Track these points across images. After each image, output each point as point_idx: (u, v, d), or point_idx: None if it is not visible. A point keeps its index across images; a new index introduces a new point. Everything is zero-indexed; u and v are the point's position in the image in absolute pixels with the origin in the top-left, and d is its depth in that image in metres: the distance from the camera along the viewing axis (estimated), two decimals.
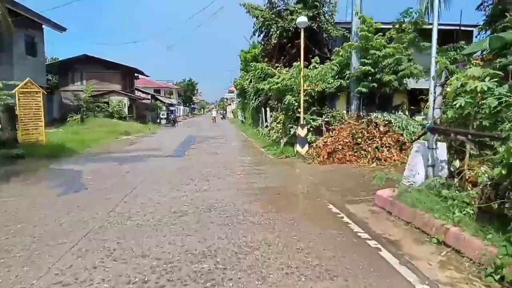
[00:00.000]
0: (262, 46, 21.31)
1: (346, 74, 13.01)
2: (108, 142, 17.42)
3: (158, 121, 39.59)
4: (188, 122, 50.87)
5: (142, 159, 11.61)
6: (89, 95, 30.30)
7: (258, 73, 22.59)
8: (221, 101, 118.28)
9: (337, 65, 12.72)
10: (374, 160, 10.53)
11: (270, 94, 16.15)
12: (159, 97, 48.70)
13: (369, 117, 11.78)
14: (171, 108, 44.61)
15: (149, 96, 43.97)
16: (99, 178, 8.45)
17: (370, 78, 12.08)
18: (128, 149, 14.86)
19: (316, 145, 11.93)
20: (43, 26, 26.51)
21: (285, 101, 12.84)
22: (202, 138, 20.61)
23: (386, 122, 11.50)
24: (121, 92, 33.14)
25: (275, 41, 18.37)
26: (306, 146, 12.21)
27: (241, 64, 32.08)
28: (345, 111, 13.06)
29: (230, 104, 79.07)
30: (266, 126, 18.44)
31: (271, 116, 18.55)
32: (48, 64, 33.17)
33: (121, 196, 6.66)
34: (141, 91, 45.32)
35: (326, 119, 12.67)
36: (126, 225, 5.04)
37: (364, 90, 11.92)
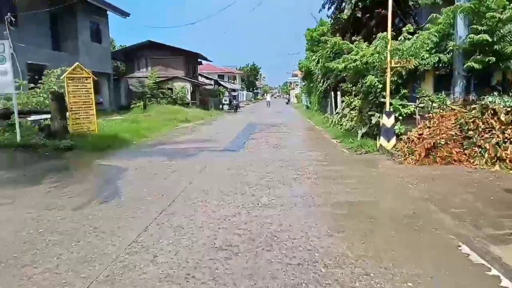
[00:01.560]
0: (332, 20, 18.58)
1: (447, 46, 10.04)
2: (165, 131, 16.34)
3: (220, 107, 38.70)
4: (251, 108, 49.51)
5: (195, 154, 10.04)
6: (153, 81, 30.06)
7: (327, 52, 20.04)
8: (284, 85, 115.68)
9: (436, 34, 9.80)
10: (495, 161, 7.70)
11: (344, 74, 13.62)
12: (222, 83, 47.92)
13: (482, 103, 8.81)
14: (234, 94, 43.49)
15: (212, 82, 43.24)
16: (139, 180, 6.95)
17: (484, 50, 9.05)
18: (183, 139, 13.52)
19: (408, 138, 9.33)
20: (107, 12, 26.48)
21: (365, 82, 10.32)
22: (263, 126, 18.75)
23: (509, 109, 8.48)
24: (184, 77, 32.54)
25: (349, 13, 15.63)
26: (394, 140, 9.68)
27: (307, 44, 29.45)
28: (443, 95, 10.12)
29: (293, 89, 76.35)
30: (337, 113, 15.95)
31: (343, 101, 16.01)
32: (114, 52, 33.70)
33: (154, 212, 4.98)
34: (204, 76, 44.81)
35: (420, 105, 9.93)
36: (144, 275, 3.27)
37: (477, 66, 8.94)
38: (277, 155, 9.77)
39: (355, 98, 14.47)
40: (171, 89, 31.15)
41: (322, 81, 20.85)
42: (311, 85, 28.19)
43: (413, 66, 9.91)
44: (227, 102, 39.27)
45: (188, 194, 5.92)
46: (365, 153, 9.87)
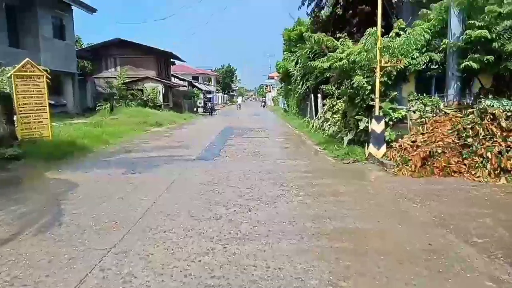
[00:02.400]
0: (312, 18, 17.75)
1: (439, 44, 9.32)
2: (132, 136, 14.94)
3: (195, 109, 37.27)
4: (226, 111, 48.32)
5: (163, 164, 8.80)
6: (122, 81, 28.32)
7: (306, 52, 19.20)
8: (260, 88, 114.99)
9: (428, 31, 9.04)
10: (498, 172, 6.95)
11: (327, 75, 12.73)
12: (196, 84, 46.44)
13: (480, 107, 8.09)
14: (209, 96, 42.10)
15: (186, 83, 41.72)
16: (91, 201, 5.68)
17: (481, 48, 8.35)
18: (152, 146, 12.20)
19: (400, 145, 8.51)
20: (72, 6, 24.63)
21: (353, 83, 9.43)
22: (241, 131, 17.64)
23: (510, 114, 7.78)
24: (156, 78, 30.95)
25: (330, 10, 14.84)
26: (384, 147, 8.84)
27: (284, 44, 28.70)
28: (437, 98, 9.38)
29: (270, 91, 75.69)
30: (319, 117, 15.08)
31: (324, 104, 15.19)
32: (80, 50, 31.69)
33: (100, 250, 3.78)
34: (178, 77, 43.20)
35: (412, 109, 9.14)
36: None
37: (475, 66, 8.22)
38: (257, 165, 8.70)
39: (338, 101, 13.66)
40: (141, 90, 29.49)
41: (301, 83, 20.01)
42: (289, 87, 27.35)
43: (403, 66, 9.12)
44: (202, 104, 37.88)
45: (149, 220, 4.73)
46: (353, 162, 8.97)
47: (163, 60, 34.95)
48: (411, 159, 7.88)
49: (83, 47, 34.43)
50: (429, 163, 7.62)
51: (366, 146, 9.20)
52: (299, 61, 20.52)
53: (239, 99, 64.42)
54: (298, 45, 24.71)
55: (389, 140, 8.95)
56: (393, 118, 9.03)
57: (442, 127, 8.39)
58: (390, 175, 7.59)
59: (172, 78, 40.48)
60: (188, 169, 8.18)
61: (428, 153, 7.75)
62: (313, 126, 15.79)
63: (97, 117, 21.59)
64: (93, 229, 4.40)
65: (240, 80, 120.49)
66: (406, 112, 8.98)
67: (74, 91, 25.76)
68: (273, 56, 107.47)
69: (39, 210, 5.20)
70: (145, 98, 28.97)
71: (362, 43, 9.61)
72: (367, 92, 9.21)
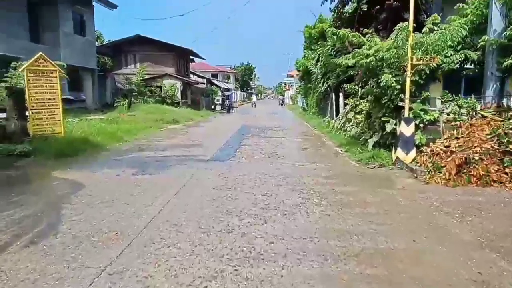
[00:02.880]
0: (335, 15, 16.98)
1: (477, 42, 8.50)
2: (148, 134, 14.61)
3: (212, 107, 36.97)
4: (245, 108, 47.86)
5: (175, 165, 8.35)
6: (141, 78, 28.23)
7: (328, 49, 18.47)
8: (279, 86, 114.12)
9: (466, 27, 8.24)
10: None
11: (351, 73, 12.01)
12: (214, 82, 46.15)
13: None
14: (227, 93, 41.73)
15: (205, 81, 41.46)
16: (93, 205, 5.25)
17: None
18: (166, 144, 11.80)
19: (432, 150, 7.77)
20: (93, 2, 24.64)
21: (380, 82, 8.72)
22: (257, 130, 17.08)
23: None
24: (174, 75, 30.75)
25: (355, 5, 14.08)
26: (413, 152, 8.12)
27: (304, 42, 27.96)
28: (473, 100, 8.55)
29: (288, 89, 74.83)
30: (341, 118, 14.36)
31: (346, 104, 14.46)
32: (100, 46, 31.84)
33: (94, 269, 3.31)
34: (197, 75, 42.99)
35: (445, 111, 8.37)
36: None
37: None
38: (274, 167, 8.13)
39: (362, 101, 12.92)
40: (160, 87, 29.34)
41: (322, 81, 19.28)
42: (309, 85, 26.60)
43: (436, 65, 8.35)
44: (220, 102, 37.55)
45: (153, 232, 4.24)
46: (378, 167, 8.28)
47: (182, 57, 34.76)
48: (445, 166, 7.16)
49: (104, 43, 34.64)
50: (465, 170, 6.88)
51: (394, 150, 8.49)
52: (320, 58, 19.78)
53: (254, 98, 64.50)
54: (319, 43, 23.99)
55: (419, 144, 8.21)
56: (424, 120, 8.28)
57: (479, 131, 7.61)
58: (421, 183, 6.87)
59: (191, 76, 40.32)
60: (201, 171, 7.69)
61: (464, 159, 7.00)
62: (333, 126, 15.08)
63: (115, 114, 21.46)
64: (90, 241, 3.94)
65: (259, 78, 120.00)
66: (439, 114, 8.22)
67: (94, 87, 25.82)
68: (292, 54, 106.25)
69: (37, 215, 4.80)
70: (163, 95, 28.82)
71: (391, 39, 8.88)
72: (396, 92, 8.48)
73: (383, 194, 6.02)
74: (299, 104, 42.02)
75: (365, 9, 14.39)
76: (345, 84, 15.29)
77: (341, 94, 16.26)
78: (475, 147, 7.20)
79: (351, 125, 12.96)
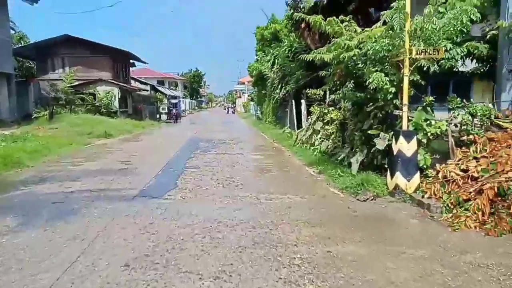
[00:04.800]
0: (292, 10, 14.91)
1: (483, 31, 6.69)
2: (65, 153, 11.40)
3: (157, 116, 33.58)
4: (194, 118, 44.78)
5: (80, 208, 5.50)
6: (69, 84, 24.30)
7: (285, 51, 16.44)
8: (230, 93, 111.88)
9: (468, 12, 6.33)
10: None
11: (317, 75, 9.83)
12: (160, 88, 42.59)
13: None
14: (174, 101, 38.38)
15: (148, 87, 37.87)
16: None
17: None
18: (83, 170, 8.80)
19: (445, 176, 5.74)
20: None
21: (366, 83, 6.58)
22: (208, 144, 14.45)
23: None
24: (110, 81, 27.08)
25: None
26: (417, 177, 6.07)
27: (257, 44, 25.88)
28: (489, 106, 6.68)
29: (240, 97, 72.77)
30: (306, 129, 12.20)
31: (311, 112, 12.36)
32: (19, 48, 27.41)
33: None
34: (139, 81, 39.23)
35: (455, 121, 6.41)
36: None
37: None
38: (232, 208, 5.60)
39: (331, 109, 10.87)
40: (93, 94, 25.57)
41: (279, 86, 17.15)
42: (264, 92, 24.47)
43: (436, 59, 6.39)
44: (166, 111, 34.24)
45: None
46: (372, 199, 6.10)
47: (120, 61, 31.08)
48: (469, 200, 5.14)
49: (26, 44, 29.94)
50: (502, 207, 4.87)
51: (389, 175, 6.36)
52: (276, 61, 17.71)
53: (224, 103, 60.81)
54: (272, 45, 22.02)
55: (424, 166, 6.17)
56: (428, 134, 6.25)
57: (505, 148, 5.70)
58: (446, 228, 4.74)
59: (133, 82, 36.55)
60: (118, 221, 4.93)
61: (496, 190, 5.01)
62: (297, 138, 12.90)
63: (32, 127, 17.73)
64: None
65: (209, 86, 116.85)
66: (446, 125, 6.23)
67: (11, 95, 21.56)
68: (242, 61, 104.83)
69: None
70: (97, 104, 25.09)
71: (378, 27, 6.81)
72: (389, 97, 6.37)
73: (408, 260, 3.75)
74: (252, 112, 39.91)
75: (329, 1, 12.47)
76: (308, 90, 13.23)
77: (303, 101, 14.20)
78: (507, 171, 5.24)
79: (320, 138, 10.83)
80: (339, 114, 9.99)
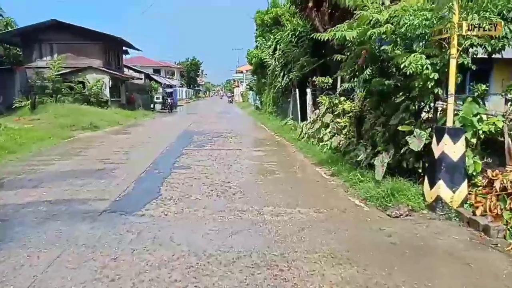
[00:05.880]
0: None
1: None
2: (38, 149, 10.02)
3: (152, 106, 32.06)
4: (190, 107, 43.29)
5: (24, 232, 4.15)
6: (56, 72, 22.72)
7: (288, 35, 14.99)
8: (227, 82, 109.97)
9: None
10: None
11: (324, 61, 8.37)
12: (155, 77, 40.87)
13: None
14: (169, 90, 36.74)
15: (142, 76, 36.23)
16: None
17: None
18: (50, 172, 7.43)
19: (504, 188, 4.40)
20: None
21: (401, 68, 5.17)
22: (203, 137, 13.08)
23: None
24: (101, 68, 25.50)
25: None
26: (464, 187, 4.73)
27: (256, 30, 24.28)
28: None
29: (238, 86, 71.07)
30: (313, 121, 10.80)
31: (318, 102, 10.96)
32: (4, 33, 25.76)
33: None
34: (133, 69, 37.51)
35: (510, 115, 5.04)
36: None
37: None
38: (229, 230, 4.25)
39: (342, 99, 9.50)
40: (82, 83, 24.01)
41: (281, 74, 15.69)
42: (263, 80, 23.00)
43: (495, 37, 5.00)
44: (160, 100, 32.71)
45: None
46: (407, 215, 4.77)
47: (113, 48, 29.39)
48: None
49: (11, 30, 28.19)
50: None
51: (427, 183, 5.01)
52: (278, 47, 16.20)
53: (221, 92, 59.34)
54: (273, 30, 20.46)
55: (473, 174, 4.83)
56: (480, 132, 4.88)
57: None
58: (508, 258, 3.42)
59: (126, 70, 34.90)
60: (67, 257, 3.56)
61: None
62: (302, 132, 11.52)
63: (12, 118, 16.35)
64: None
65: (206, 75, 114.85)
66: (503, 122, 4.87)
67: None
68: (241, 49, 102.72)
69: None
70: (86, 93, 23.57)
71: None
72: (430, 85, 4.98)
73: None
74: (251, 101, 38.40)
75: None
76: (315, 78, 11.80)
77: (308, 90, 12.78)
78: None
79: (330, 132, 9.47)
80: (353, 105, 8.61)
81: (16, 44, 27.51)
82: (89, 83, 24.09)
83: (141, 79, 35.30)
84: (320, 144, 9.59)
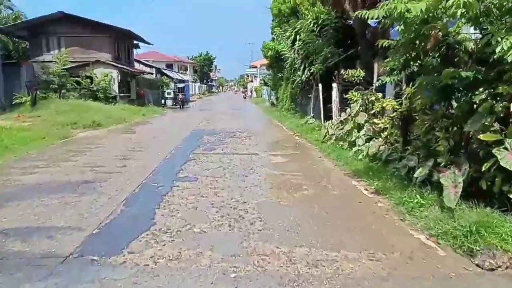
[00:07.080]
0: None
1: None
2: (22, 153, 8.77)
3: (162, 102, 30.86)
4: (203, 103, 41.99)
5: None
6: (63, 66, 21.64)
7: (309, 24, 13.46)
8: (241, 78, 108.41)
9: None
10: None
11: (385, 44, 6.75)
12: (166, 72, 39.67)
13: None
14: (180, 86, 35.39)
15: (154, 70, 35.05)
16: None
17: None
18: (25, 185, 6.12)
19: None
20: None
21: (497, 51, 3.62)
22: (214, 137, 11.67)
23: None
24: (109, 62, 24.35)
25: None
26: None
27: (273, 21, 22.66)
28: None
29: (252, 81, 69.48)
30: (343, 121, 9.22)
31: (347, 99, 9.38)
32: (9, 26, 24.78)
33: None
34: (144, 63, 36.40)
35: None
36: None
37: None
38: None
39: (379, 95, 7.94)
40: (90, 77, 22.91)
41: (301, 68, 14.12)
42: (280, 75, 21.43)
43: None
44: (171, 96, 31.47)
45: None
46: (507, 268, 3.23)
47: (122, 41, 28.25)
48: None
49: (17, 23, 27.27)
50: None
51: None
52: (298, 38, 14.61)
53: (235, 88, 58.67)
54: (291, 21, 18.80)
55: None
56: None
57: None
58: None
59: (137, 65, 33.77)
60: None
61: None
62: (327, 133, 9.98)
63: (12, 115, 15.31)
64: None
65: (219, 70, 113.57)
66: None
67: None
68: (253, 44, 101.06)
69: None
70: (94, 88, 22.47)
71: None
72: None
73: None
74: (265, 97, 36.84)
75: None
76: (343, 71, 10.21)
77: (334, 85, 11.19)
78: None
79: (364, 135, 7.91)
80: (396, 103, 7.03)
81: (23, 37, 26.60)
82: (97, 77, 22.98)
83: (152, 74, 34.13)
84: (353, 149, 8.04)
